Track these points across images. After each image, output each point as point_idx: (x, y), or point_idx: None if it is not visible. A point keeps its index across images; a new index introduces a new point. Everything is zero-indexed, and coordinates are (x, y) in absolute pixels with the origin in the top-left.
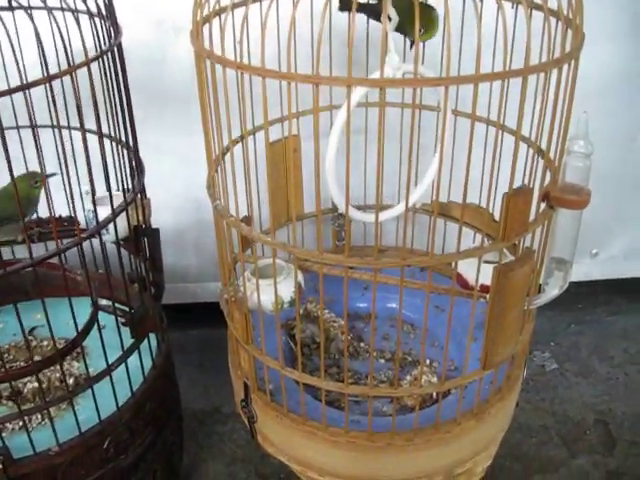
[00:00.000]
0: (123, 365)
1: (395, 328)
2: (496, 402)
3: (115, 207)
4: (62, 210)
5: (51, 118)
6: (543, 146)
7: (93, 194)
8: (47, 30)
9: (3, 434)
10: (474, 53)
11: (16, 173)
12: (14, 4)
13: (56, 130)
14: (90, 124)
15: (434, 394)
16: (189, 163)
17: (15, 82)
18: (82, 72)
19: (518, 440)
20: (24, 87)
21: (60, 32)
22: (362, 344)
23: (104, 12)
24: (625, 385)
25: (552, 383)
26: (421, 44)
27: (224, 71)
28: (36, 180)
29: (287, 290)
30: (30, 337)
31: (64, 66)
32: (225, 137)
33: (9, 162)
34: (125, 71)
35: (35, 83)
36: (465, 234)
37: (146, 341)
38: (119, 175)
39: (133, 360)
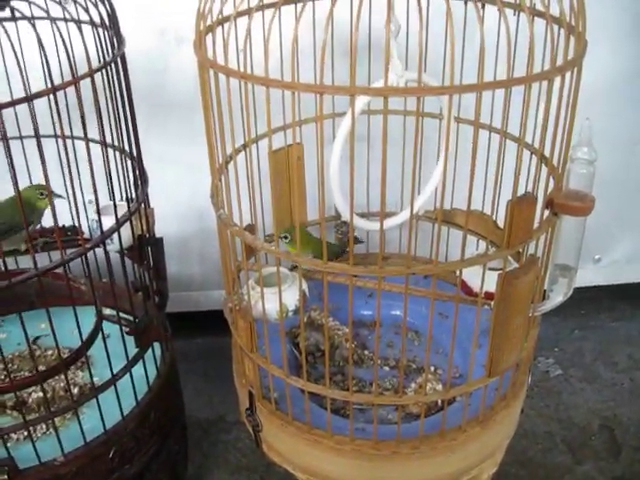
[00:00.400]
0: (128, 374)
1: (399, 335)
2: (501, 409)
3: (119, 217)
4: (65, 220)
5: (54, 128)
6: (547, 153)
7: (97, 204)
8: (50, 41)
9: (8, 444)
10: (476, 61)
11: (20, 184)
12: (17, 14)
13: (59, 140)
14: (93, 134)
15: (439, 401)
16: (192, 172)
17: (18, 93)
18: (85, 82)
19: (523, 446)
20: (29, 98)
21: (64, 42)
22: (366, 352)
23: (107, 22)
24: (630, 391)
25: (556, 389)
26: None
27: (227, 81)
28: (41, 192)
29: (291, 298)
30: (34, 347)
31: (67, 76)
32: (228, 146)
33: (14, 172)
34: (128, 81)
35: (39, 94)
36: (468, 241)
37: (150, 350)
38: (123, 185)
39: (137, 369)
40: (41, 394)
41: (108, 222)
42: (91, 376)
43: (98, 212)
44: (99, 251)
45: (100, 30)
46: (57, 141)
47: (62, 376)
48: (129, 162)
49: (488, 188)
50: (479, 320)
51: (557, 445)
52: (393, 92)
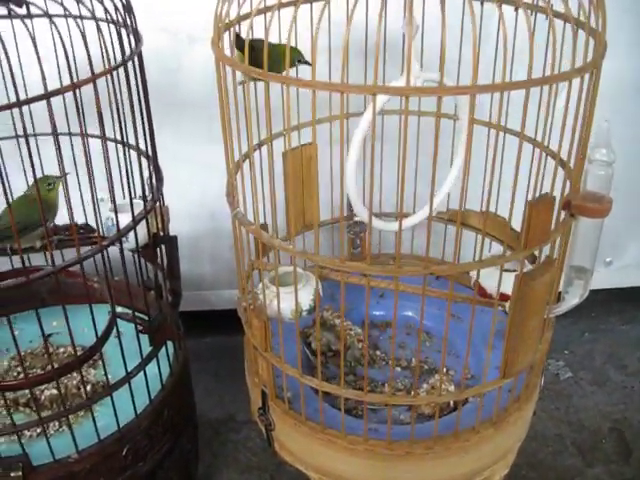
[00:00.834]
0: (141, 372)
1: (410, 336)
2: (515, 411)
3: (135, 215)
4: (78, 218)
5: (68, 126)
6: (564, 155)
7: (114, 202)
8: (66, 39)
9: (22, 441)
10: (490, 64)
11: (30, 181)
12: (33, 12)
13: (76, 138)
14: (108, 132)
15: (451, 402)
16: (205, 171)
17: (32, 91)
18: (101, 81)
19: (534, 449)
20: (48, 95)
21: (84, 38)
22: (378, 352)
23: (125, 20)
24: None
25: (567, 392)
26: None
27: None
28: (49, 183)
29: (306, 298)
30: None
31: (82, 75)
32: (244, 144)
33: (33, 168)
34: (145, 79)
35: (60, 91)
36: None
37: (164, 349)
38: (139, 183)
39: (151, 367)
40: (54, 391)
41: (124, 220)
42: (106, 374)
43: (115, 210)
44: (112, 249)
45: (118, 28)
46: (71, 139)
47: (74, 374)
48: (144, 160)
49: (501, 189)
50: (494, 322)
51: (567, 448)
52: (414, 91)
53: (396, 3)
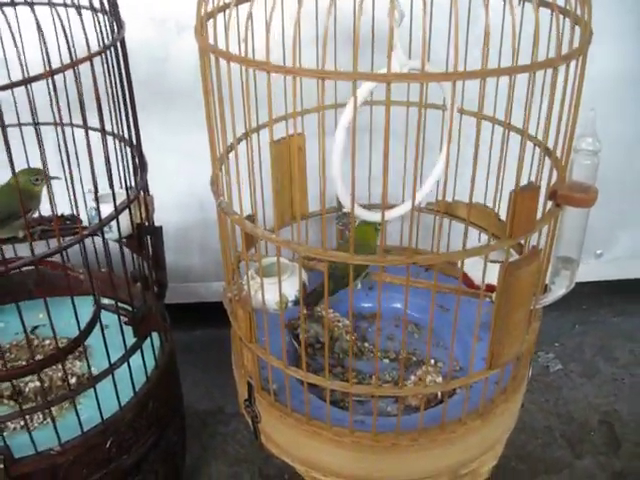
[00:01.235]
0: (126, 365)
1: (399, 328)
2: (502, 402)
3: (118, 204)
4: (65, 209)
5: (54, 116)
6: (550, 144)
7: (96, 192)
8: (49, 26)
9: (4, 433)
10: (480, 54)
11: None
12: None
13: (58, 127)
14: (92, 121)
15: (439, 394)
16: (193, 162)
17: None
18: (84, 69)
19: (523, 441)
20: (26, 81)
21: (63, 27)
22: (366, 344)
23: (107, 7)
24: (630, 386)
25: (556, 384)
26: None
27: (228, 67)
28: (37, 177)
29: (291, 289)
30: (32, 336)
31: (67, 62)
32: (230, 134)
33: (11, 158)
34: (128, 67)
35: (37, 77)
36: (470, 234)
37: (149, 340)
38: (122, 173)
39: (136, 359)
40: (38, 384)
41: (107, 210)
42: (89, 365)
43: (97, 200)
44: (98, 240)
45: (100, 15)
46: (57, 129)
47: (60, 366)
48: (128, 149)
49: (491, 181)
50: (480, 313)
51: (556, 440)
52: (395, 78)
53: None
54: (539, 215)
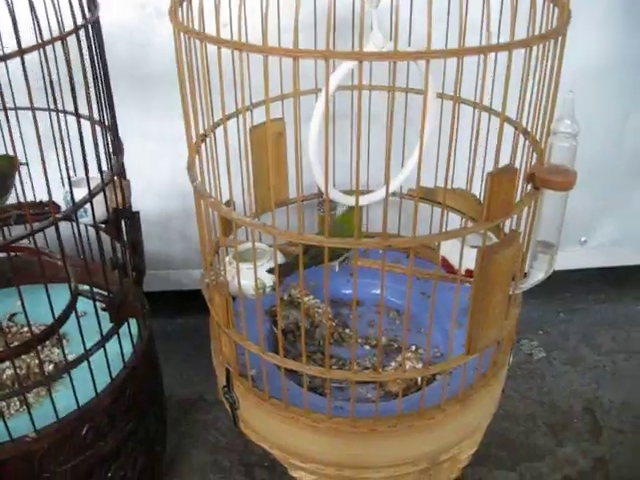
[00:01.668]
0: (102, 350)
1: (382, 315)
2: (481, 388)
3: (92, 188)
4: (43, 195)
5: (30, 99)
6: (529, 127)
7: (69, 176)
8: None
9: None
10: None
11: None
12: None
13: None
14: (68, 105)
15: (419, 381)
16: (175, 149)
17: None
18: (60, 51)
19: (505, 428)
20: None
21: (32, 6)
22: (347, 330)
23: None
24: (613, 373)
25: (540, 371)
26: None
27: (202, 47)
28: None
29: (269, 274)
30: (10, 323)
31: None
32: (206, 118)
33: None
34: (103, 48)
35: (7, 56)
36: (452, 220)
37: (127, 327)
38: (102, 156)
39: (113, 346)
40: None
41: (81, 194)
42: (63, 352)
43: (70, 184)
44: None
45: None
46: (34, 113)
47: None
48: (105, 132)
49: (478, 166)
50: (458, 297)
51: (539, 427)
52: (367, 56)
53: None
54: (517, 198)
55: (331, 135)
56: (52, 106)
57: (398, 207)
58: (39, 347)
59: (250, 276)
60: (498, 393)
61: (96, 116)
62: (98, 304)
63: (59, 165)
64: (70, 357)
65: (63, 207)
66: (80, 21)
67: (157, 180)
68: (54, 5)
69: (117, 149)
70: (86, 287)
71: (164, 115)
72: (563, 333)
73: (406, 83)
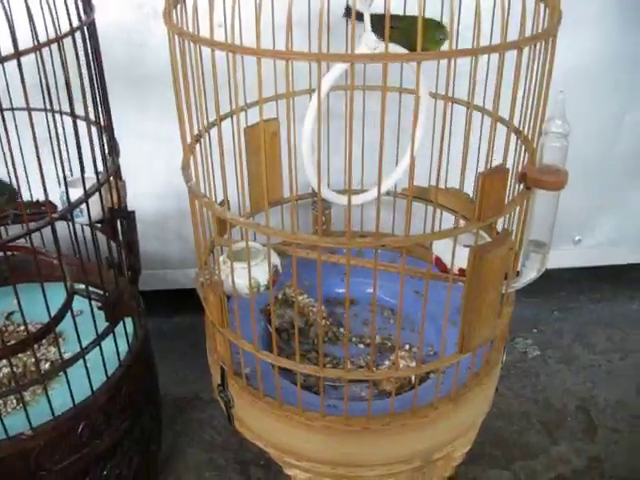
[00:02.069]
0: (98, 350)
1: (376, 314)
2: (474, 386)
3: (88, 188)
4: (40, 194)
5: (26, 101)
6: (521, 127)
7: (64, 176)
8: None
9: None
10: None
11: None
12: None
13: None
14: (64, 106)
15: (412, 379)
16: (172, 149)
17: None
18: (56, 52)
19: (499, 427)
20: None
21: (28, 9)
22: (342, 329)
23: None
24: (607, 372)
25: (534, 370)
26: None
27: (196, 49)
28: None
29: (263, 273)
30: (7, 322)
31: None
32: (201, 118)
33: None
34: (99, 49)
35: (4, 59)
36: (446, 220)
37: (123, 326)
38: (97, 157)
39: (109, 345)
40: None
41: (77, 194)
42: (59, 351)
43: (66, 184)
44: (78, 227)
45: None
46: (30, 114)
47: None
48: (100, 133)
49: (468, 164)
50: (450, 296)
51: (533, 425)
52: (359, 58)
53: None
54: (508, 197)
55: (325, 135)
56: (48, 107)
57: (392, 206)
58: (35, 345)
59: (244, 275)
60: (491, 392)
61: (92, 117)
62: (94, 303)
63: (55, 165)
64: (66, 355)
65: (59, 207)
66: (76, 23)
67: (153, 180)
68: (50, 7)
69: (113, 149)
70: (82, 286)
71: (160, 116)
72: (558, 332)
73: (400, 83)
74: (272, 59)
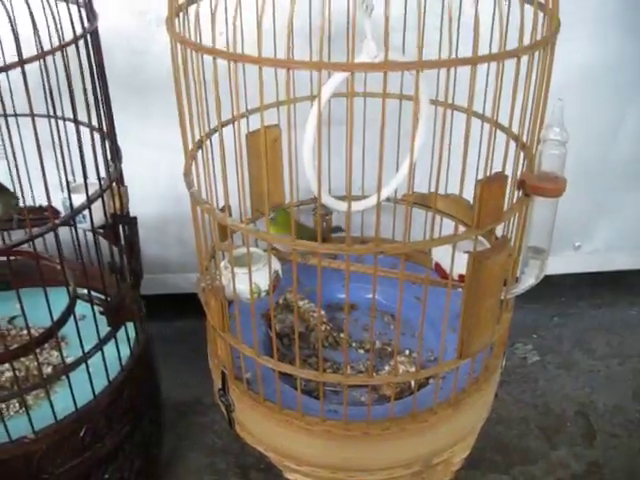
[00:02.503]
0: (100, 353)
1: (376, 319)
2: (474, 392)
3: (90, 194)
4: (43, 200)
5: (30, 107)
6: (520, 134)
7: (67, 182)
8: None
9: None
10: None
11: None
12: None
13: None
14: (67, 112)
15: (412, 384)
16: (173, 155)
17: None
18: (59, 60)
19: (498, 432)
20: None
21: (32, 17)
22: (342, 335)
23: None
24: (606, 377)
25: (534, 375)
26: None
27: (197, 57)
28: None
29: (264, 279)
30: (10, 326)
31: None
32: (203, 125)
33: None
34: (102, 57)
35: (8, 67)
36: (446, 226)
37: (125, 331)
38: (99, 163)
39: (111, 349)
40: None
41: (80, 200)
42: (62, 355)
43: (68, 190)
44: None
45: (73, 7)
46: (33, 119)
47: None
48: (103, 139)
49: (469, 173)
50: (449, 302)
51: (532, 431)
52: (359, 67)
53: None
54: (507, 204)
55: (326, 141)
56: (51, 113)
57: (392, 212)
58: (38, 350)
59: (246, 280)
60: (491, 397)
61: (95, 123)
62: (96, 307)
63: (58, 171)
64: (68, 360)
65: (62, 212)
66: (79, 31)
67: (155, 186)
68: (54, 15)
69: (115, 156)
70: (84, 291)
71: (162, 122)
72: (557, 337)
73: (400, 89)
74: (273, 67)
